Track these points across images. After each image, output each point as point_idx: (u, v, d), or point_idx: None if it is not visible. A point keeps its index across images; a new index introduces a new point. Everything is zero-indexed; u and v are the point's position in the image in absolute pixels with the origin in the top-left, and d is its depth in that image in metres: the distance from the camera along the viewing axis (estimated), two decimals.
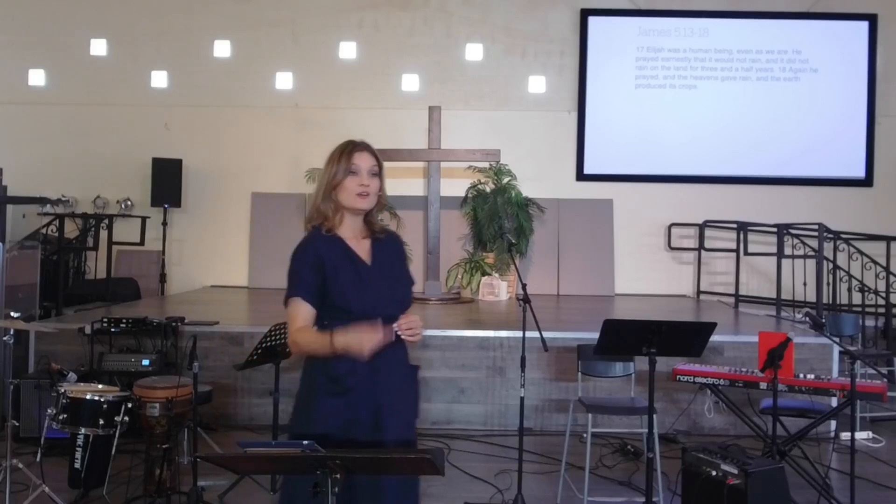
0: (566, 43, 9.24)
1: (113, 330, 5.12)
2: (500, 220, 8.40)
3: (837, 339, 5.08)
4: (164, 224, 8.74)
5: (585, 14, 9.19)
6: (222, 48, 9.01)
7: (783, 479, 3.39)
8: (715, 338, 4.40)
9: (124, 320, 5.13)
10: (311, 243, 2.33)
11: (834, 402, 4.49)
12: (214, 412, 5.27)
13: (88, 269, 8.69)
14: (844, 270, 7.42)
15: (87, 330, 5.14)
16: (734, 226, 8.49)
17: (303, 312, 2.27)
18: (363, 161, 2.36)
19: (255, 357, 4.13)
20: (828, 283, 7.46)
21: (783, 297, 7.71)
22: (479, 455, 4.92)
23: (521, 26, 9.23)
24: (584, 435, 4.26)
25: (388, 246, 2.42)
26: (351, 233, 2.38)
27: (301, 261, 2.31)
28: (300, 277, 2.29)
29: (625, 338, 3.48)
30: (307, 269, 2.29)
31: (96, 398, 3.87)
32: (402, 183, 8.86)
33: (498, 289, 8.18)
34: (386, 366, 2.30)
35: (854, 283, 7.25)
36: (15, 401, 4.59)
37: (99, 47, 9.04)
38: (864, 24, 9.06)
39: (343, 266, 2.31)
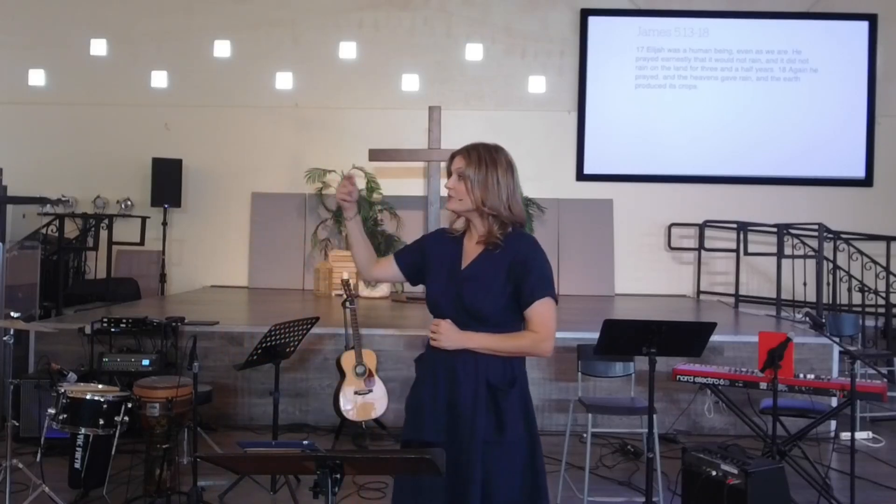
0: (566, 43, 9.24)
1: (113, 330, 5.12)
2: None
3: (837, 339, 5.08)
4: (164, 224, 8.74)
5: (585, 14, 9.19)
6: (222, 48, 9.01)
7: (783, 479, 3.40)
8: (715, 338, 4.39)
9: (124, 320, 5.13)
10: (426, 235, 2.59)
11: (834, 402, 4.49)
12: (214, 412, 5.27)
13: (88, 269, 8.69)
14: (844, 270, 7.42)
15: (87, 330, 5.14)
16: (734, 226, 8.49)
17: (383, 261, 2.55)
18: (452, 164, 2.39)
19: (255, 357, 4.13)
20: (828, 283, 7.46)
21: (783, 297, 7.71)
22: None
23: (521, 26, 9.23)
24: (584, 435, 4.26)
25: (499, 257, 2.31)
26: (473, 236, 2.39)
27: (415, 241, 2.58)
28: (405, 247, 2.61)
29: (625, 338, 3.48)
30: (409, 247, 2.56)
31: (96, 398, 3.87)
32: (402, 183, 8.87)
33: None
34: (442, 369, 2.34)
35: (854, 283, 7.25)
36: (15, 401, 4.59)
37: (99, 47, 9.04)
38: (864, 24, 9.06)
39: (439, 262, 2.41)
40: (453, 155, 2.39)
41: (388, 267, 2.51)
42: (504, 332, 2.30)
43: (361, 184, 8.59)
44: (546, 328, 2.30)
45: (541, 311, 2.29)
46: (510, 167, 2.41)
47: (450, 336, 2.27)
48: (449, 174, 2.39)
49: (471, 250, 2.37)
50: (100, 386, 4.14)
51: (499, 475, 2.25)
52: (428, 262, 2.43)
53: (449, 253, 2.40)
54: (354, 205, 2.44)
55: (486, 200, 2.30)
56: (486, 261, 2.32)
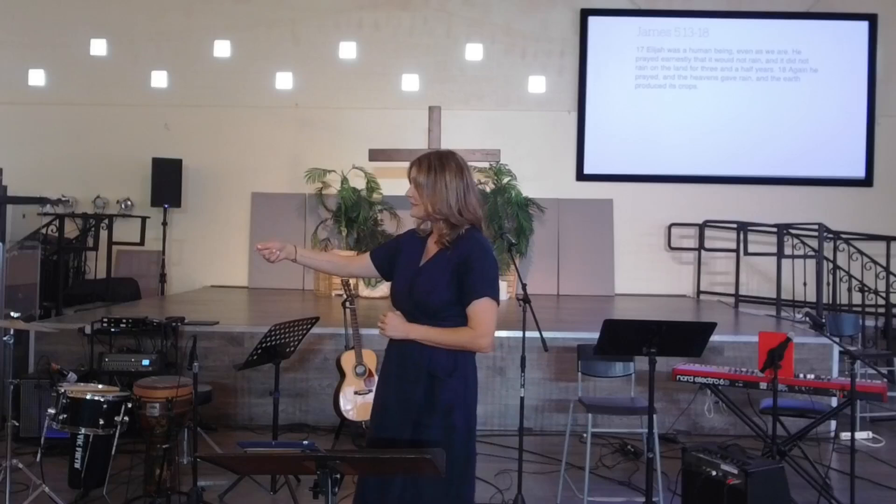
0: (566, 43, 9.24)
1: (113, 330, 5.12)
2: (500, 219, 8.40)
3: (837, 339, 5.08)
4: (164, 224, 8.74)
5: (585, 14, 9.19)
6: (222, 48, 9.00)
7: (783, 479, 3.40)
8: (715, 338, 4.41)
9: (124, 320, 5.13)
10: (401, 234, 2.72)
11: (834, 402, 4.49)
12: (214, 412, 5.27)
13: (88, 269, 8.69)
14: (844, 270, 7.42)
15: (87, 330, 5.14)
16: (734, 226, 8.49)
17: (359, 258, 2.76)
18: (410, 173, 2.55)
19: (255, 357, 4.13)
20: (828, 283, 7.46)
21: (783, 297, 7.71)
22: (479, 455, 4.85)
23: (521, 26, 9.23)
24: (584, 435, 4.26)
25: (450, 256, 2.46)
26: (434, 237, 2.55)
27: (390, 239, 2.81)
28: (380, 245, 2.87)
29: (625, 338, 3.48)
30: (384, 245, 2.76)
31: (96, 398, 3.87)
32: (403, 183, 8.72)
33: None
34: (396, 360, 2.52)
35: (854, 283, 7.25)
36: (15, 401, 4.58)
37: (99, 47, 9.03)
38: (864, 24, 9.07)
39: (405, 259, 2.58)
40: (411, 165, 2.55)
41: (364, 263, 2.71)
42: (450, 326, 2.43)
43: (361, 184, 8.59)
44: (483, 325, 2.41)
45: (479, 310, 2.41)
46: (460, 171, 2.50)
47: (395, 326, 2.44)
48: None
49: (431, 249, 2.54)
50: (100, 386, 4.14)
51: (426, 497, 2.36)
52: (398, 257, 2.61)
53: (413, 251, 2.58)
54: (283, 251, 2.59)
55: (435, 205, 2.46)
56: (440, 259, 2.48)
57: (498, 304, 2.47)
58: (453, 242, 2.46)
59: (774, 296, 7.70)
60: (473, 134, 8.86)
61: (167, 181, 8.74)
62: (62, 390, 3.88)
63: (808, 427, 4.29)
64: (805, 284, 7.43)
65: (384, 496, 2.37)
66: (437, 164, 2.48)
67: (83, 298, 7.66)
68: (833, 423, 5.25)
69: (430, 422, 2.40)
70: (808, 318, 4.09)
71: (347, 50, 9.02)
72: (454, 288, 2.42)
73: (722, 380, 4.35)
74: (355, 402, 4.80)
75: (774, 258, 7.58)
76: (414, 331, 2.43)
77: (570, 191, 9.15)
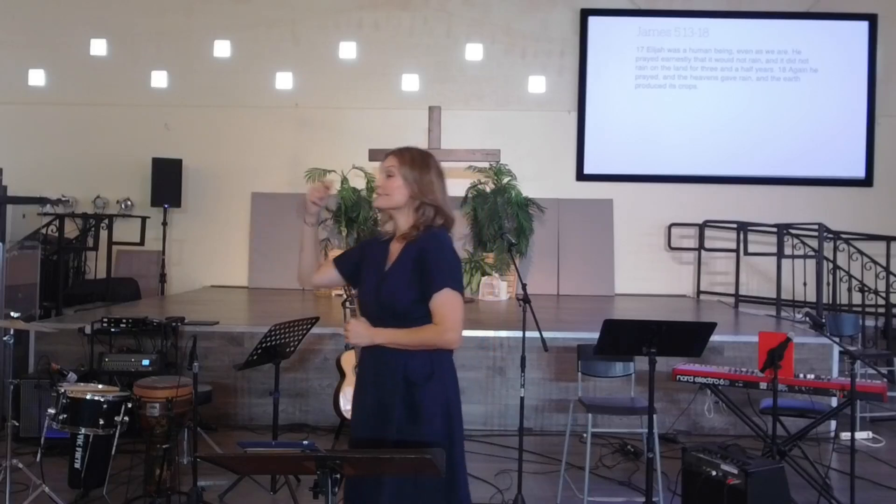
0: (566, 43, 9.24)
1: (113, 330, 5.12)
2: (500, 220, 8.40)
3: (837, 339, 5.08)
4: (164, 224, 8.75)
5: (585, 14, 9.19)
6: (222, 48, 9.00)
7: (783, 479, 3.39)
8: (715, 338, 4.41)
9: (124, 320, 5.13)
10: (364, 241, 2.67)
11: (834, 402, 4.49)
12: (214, 412, 5.27)
13: (88, 269, 8.69)
14: (844, 270, 7.42)
15: (87, 330, 5.14)
16: (734, 226, 8.49)
17: (325, 264, 2.64)
18: (384, 164, 2.47)
19: (255, 357, 4.13)
20: (828, 283, 7.46)
21: (783, 297, 7.71)
22: (479, 455, 4.92)
23: (521, 26, 9.23)
24: (584, 435, 4.26)
25: (411, 250, 2.39)
26: (397, 235, 2.48)
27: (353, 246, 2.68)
28: (343, 252, 2.70)
29: (625, 338, 3.48)
30: (348, 252, 2.66)
31: (96, 398, 3.87)
32: None
33: (498, 289, 8.18)
34: (370, 367, 2.44)
35: (854, 283, 7.25)
36: (15, 401, 4.58)
37: (99, 47, 9.03)
38: (864, 24, 9.07)
39: (370, 265, 2.49)
40: (387, 155, 2.47)
41: (328, 272, 2.61)
42: (420, 326, 2.34)
43: (361, 184, 8.59)
44: (447, 319, 2.31)
45: (441, 303, 2.31)
46: (440, 175, 2.47)
47: (358, 332, 2.36)
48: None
49: (394, 251, 2.46)
50: (100, 386, 4.15)
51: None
52: (363, 265, 2.52)
53: (378, 257, 2.49)
54: (319, 213, 2.55)
55: (426, 195, 2.41)
56: (403, 259, 2.40)
57: (462, 295, 2.38)
58: (416, 238, 2.40)
59: (774, 296, 7.70)
60: (473, 134, 8.86)
61: (167, 181, 8.74)
62: (62, 390, 3.88)
63: (808, 427, 4.29)
64: (805, 284, 7.43)
65: None
66: (420, 160, 2.45)
67: (83, 298, 7.66)
68: (833, 423, 5.25)
69: (412, 430, 2.31)
70: (808, 318, 4.09)
71: (347, 50, 9.02)
72: (417, 286, 2.34)
73: (722, 380, 4.35)
74: None
75: (774, 258, 7.58)
76: (378, 335, 2.35)
77: (570, 191, 9.15)
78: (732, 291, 8.42)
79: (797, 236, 7.58)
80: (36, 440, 4.33)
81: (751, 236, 8.29)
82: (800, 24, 9.14)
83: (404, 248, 2.41)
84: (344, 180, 8.52)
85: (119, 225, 8.53)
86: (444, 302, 2.31)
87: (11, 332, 3.77)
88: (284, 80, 9.06)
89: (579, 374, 4.54)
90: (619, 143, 9.20)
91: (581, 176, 9.23)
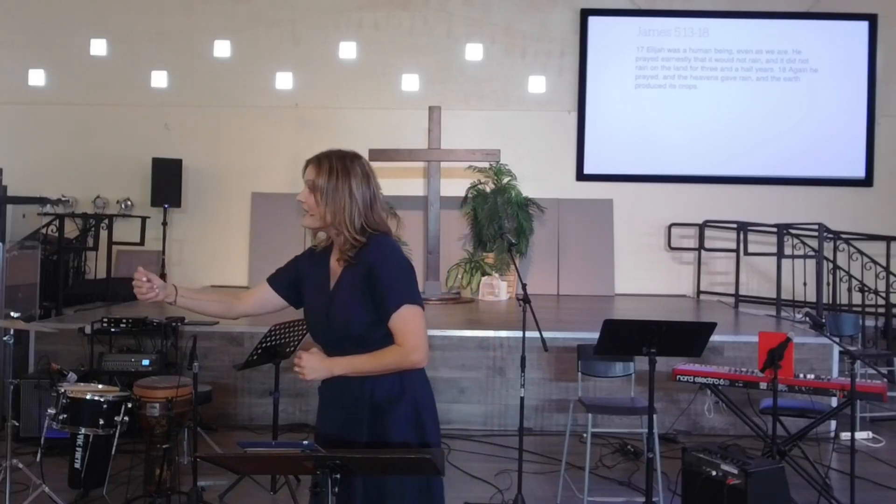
0: (566, 43, 9.24)
1: (113, 330, 5.12)
2: (500, 220, 8.40)
3: (837, 339, 5.08)
4: (164, 224, 8.75)
5: (585, 14, 9.19)
6: (222, 48, 9.00)
7: (783, 479, 3.40)
8: (715, 338, 4.41)
9: (124, 320, 5.13)
10: (299, 255, 2.32)
11: (834, 402, 4.49)
12: (214, 412, 5.27)
13: (88, 269, 8.68)
14: (844, 270, 7.42)
15: (87, 330, 5.14)
16: (734, 226, 8.48)
17: (253, 291, 2.35)
18: (304, 174, 2.22)
19: (255, 357, 4.13)
20: (828, 283, 7.46)
21: (783, 297, 7.70)
22: (479, 455, 4.92)
23: (521, 26, 9.23)
24: (584, 435, 4.26)
25: (356, 271, 2.13)
26: (335, 252, 2.22)
27: (288, 262, 2.36)
28: (277, 269, 2.35)
29: (625, 338, 3.48)
30: (283, 268, 2.34)
31: (96, 398, 3.87)
32: (402, 183, 8.87)
33: (498, 289, 8.18)
34: (331, 396, 2.21)
35: (854, 283, 7.24)
36: (15, 401, 4.58)
37: (99, 47, 9.03)
38: (864, 24, 9.07)
39: (311, 283, 2.24)
40: (307, 163, 2.21)
41: (262, 294, 2.32)
42: (381, 348, 2.11)
43: None
44: (409, 338, 2.08)
45: (399, 321, 2.09)
46: (366, 177, 2.22)
47: (314, 368, 2.09)
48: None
49: (335, 267, 2.20)
50: (100, 386, 4.15)
51: (389, 495, 2.09)
52: (303, 282, 2.26)
53: (318, 273, 2.23)
54: (163, 291, 2.19)
55: (335, 215, 2.13)
56: (348, 277, 2.14)
57: (422, 306, 2.14)
58: (357, 256, 2.13)
59: (774, 296, 7.70)
60: (473, 134, 8.87)
61: (167, 181, 8.74)
62: (62, 390, 3.88)
63: (808, 427, 4.29)
64: (805, 284, 7.42)
65: None
66: (340, 167, 2.18)
67: (83, 298, 7.66)
68: (833, 423, 5.25)
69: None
70: (808, 318, 4.09)
71: (347, 50, 9.03)
72: (370, 306, 2.10)
73: (722, 380, 4.35)
74: None
75: (774, 258, 7.57)
76: (337, 365, 2.09)
77: (570, 191, 9.15)
78: (732, 291, 8.42)
79: (797, 236, 7.58)
80: (36, 440, 4.33)
81: (751, 236, 8.29)
82: (800, 24, 9.13)
83: (347, 266, 2.15)
84: None
85: (119, 225, 8.52)
86: (405, 320, 2.08)
87: (11, 332, 3.77)
88: (284, 80, 9.06)
89: (579, 374, 4.54)
90: (619, 143, 9.20)
91: (581, 176, 9.22)
